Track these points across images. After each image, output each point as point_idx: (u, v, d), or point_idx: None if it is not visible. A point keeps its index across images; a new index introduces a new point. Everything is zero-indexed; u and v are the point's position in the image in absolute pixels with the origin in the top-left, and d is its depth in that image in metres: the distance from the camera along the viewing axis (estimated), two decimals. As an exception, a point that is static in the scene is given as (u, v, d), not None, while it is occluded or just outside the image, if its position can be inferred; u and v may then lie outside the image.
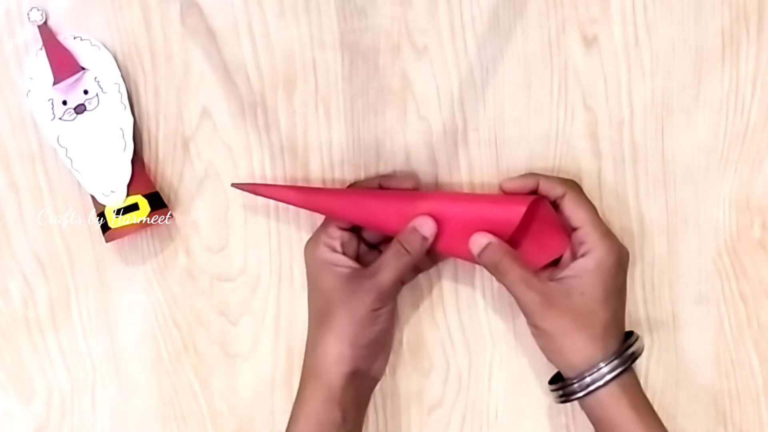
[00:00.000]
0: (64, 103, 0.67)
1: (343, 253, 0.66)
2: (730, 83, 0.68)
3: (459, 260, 0.70)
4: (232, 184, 0.68)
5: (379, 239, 0.68)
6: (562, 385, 0.64)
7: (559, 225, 0.66)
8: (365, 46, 0.68)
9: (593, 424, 0.64)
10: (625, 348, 0.63)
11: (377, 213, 0.66)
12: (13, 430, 0.73)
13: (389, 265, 0.65)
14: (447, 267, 0.71)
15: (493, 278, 0.67)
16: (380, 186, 0.68)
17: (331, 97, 0.69)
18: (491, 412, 0.73)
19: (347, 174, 0.70)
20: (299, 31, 0.68)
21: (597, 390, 0.62)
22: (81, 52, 0.67)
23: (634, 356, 0.64)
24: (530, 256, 0.66)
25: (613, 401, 0.62)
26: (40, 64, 0.67)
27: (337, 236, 0.66)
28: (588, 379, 0.62)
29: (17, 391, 0.73)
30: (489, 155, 0.69)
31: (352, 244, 0.67)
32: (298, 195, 0.67)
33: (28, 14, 0.67)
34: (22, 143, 0.70)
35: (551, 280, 0.64)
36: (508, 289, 0.64)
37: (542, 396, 0.72)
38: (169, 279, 0.72)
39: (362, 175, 0.70)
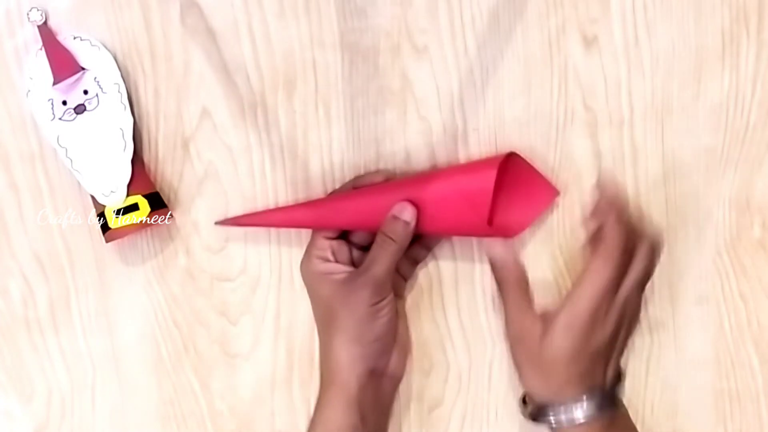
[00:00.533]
0: (64, 103, 0.67)
1: (336, 261, 0.67)
2: (730, 83, 0.68)
3: (459, 261, 0.70)
4: (216, 223, 0.69)
5: (369, 241, 0.68)
6: (527, 408, 0.66)
7: (541, 176, 0.67)
8: (365, 46, 0.68)
9: None
10: (585, 397, 0.63)
11: (357, 213, 0.66)
12: (13, 430, 0.73)
13: (378, 256, 0.65)
14: (447, 267, 0.71)
15: (494, 278, 0.67)
16: (354, 188, 0.68)
17: (331, 97, 0.69)
18: (491, 412, 0.73)
19: (347, 174, 0.70)
20: (299, 31, 0.68)
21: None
22: (81, 52, 0.67)
23: (613, 399, 0.64)
24: (520, 214, 0.67)
25: None
26: (40, 64, 0.67)
27: (326, 246, 0.67)
28: (550, 416, 0.64)
29: (17, 391, 0.73)
30: (489, 155, 0.69)
31: (344, 251, 0.67)
32: (277, 216, 0.68)
33: (28, 14, 0.67)
34: (22, 143, 0.70)
35: (543, 313, 0.65)
36: (504, 305, 0.66)
37: (542, 396, 0.72)
38: (169, 279, 0.72)
39: (362, 175, 0.70)
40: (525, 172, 0.66)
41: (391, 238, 0.65)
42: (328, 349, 0.66)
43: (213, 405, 0.73)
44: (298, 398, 0.73)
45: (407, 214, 0.65)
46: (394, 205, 0.65)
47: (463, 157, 0.69)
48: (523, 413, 0.66)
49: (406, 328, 0.71)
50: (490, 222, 0.65)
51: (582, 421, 0.62)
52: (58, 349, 0.72)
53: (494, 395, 0.72)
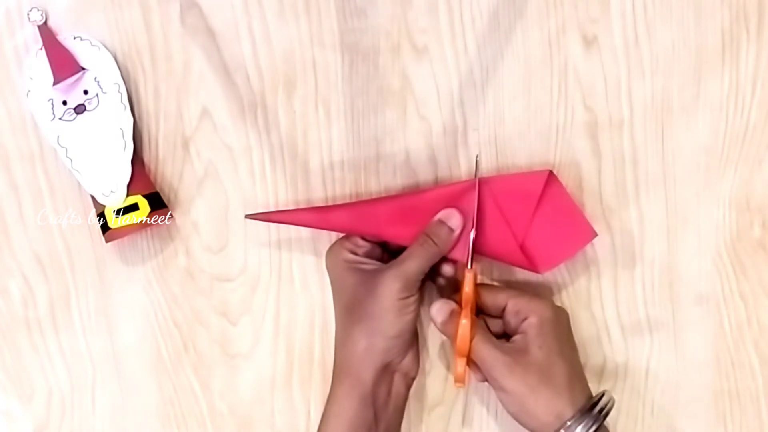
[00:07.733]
0: (64, 103, 0.67)
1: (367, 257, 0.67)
2: (730, 83, 0.68)
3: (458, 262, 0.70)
4: (246, 216, 0.68)
5: (402, 247, 0.67)
6: None
7: (580, 214, 0.66)
8: (365, 46, 0.68)
9: None
10: (593, 404, 0.62)
11: (392, 220, 0.65)
12: (13, 430, 0.73)
13: (416, 255, 0.64)
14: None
15: (493, 276, 0.67)
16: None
17: (331, 97, 0.69)
18: (491, 412, 0.73)
19: (347, 174, 0.70)
20: (299, 31, 0.68)
21: None
22: (81, 52, 0.67)
23: (604, 411, 0.62)
24: (552, 249, 0.65)
25: None
26: (40, 64, 0.67)
27: (361, 244, 0.67)
28: None
29: (17, 391, 0.73)
30: (489, 155, 0.69)
31: (376, 252, 0.67)
32: (312, 216, 0.67)
33: (28, 14, 0.67)
34: (22, 143, 0.70)
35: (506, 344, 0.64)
36: (473, 354, 0.64)
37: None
38: (169, 279, 0.72)
39: (362, 175, 0.70)
40: (565, 207, 0.65)
41: (433, 241, 0.64)
42: (346, 337, 0.65)
43: (213, 405, 0.73)
44: (298, 398, 0.73)
45: (454, 221, 0.65)
46: (429, 214, 0.65)
47: (463, 157, 0.69)
48: None
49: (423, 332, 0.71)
50: (521, 247, 0.65)
51: None
52: (58, 349, 0.72)
53: (494, 395, 0.72)
